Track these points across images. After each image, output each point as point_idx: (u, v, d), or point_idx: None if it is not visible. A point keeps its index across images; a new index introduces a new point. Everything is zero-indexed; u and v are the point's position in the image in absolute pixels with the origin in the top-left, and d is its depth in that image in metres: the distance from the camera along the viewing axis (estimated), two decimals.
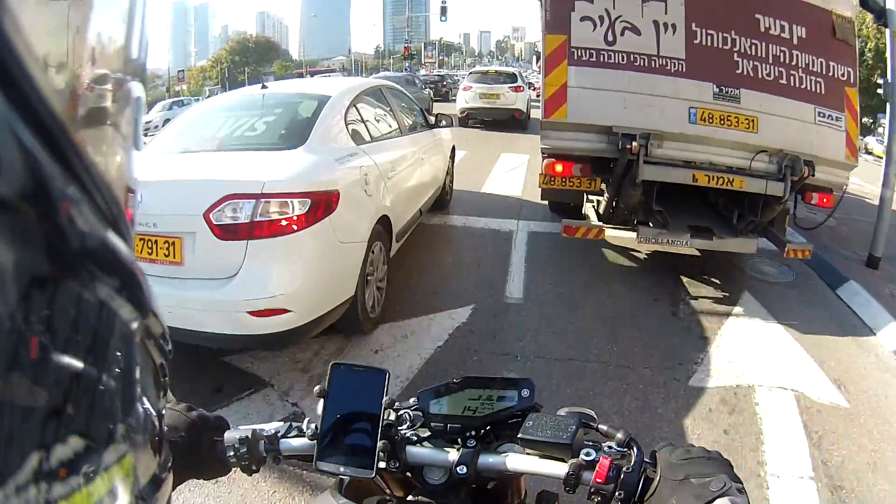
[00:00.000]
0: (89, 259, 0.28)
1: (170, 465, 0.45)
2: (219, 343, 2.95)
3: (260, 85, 4.23)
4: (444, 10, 36.00)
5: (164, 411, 0.43)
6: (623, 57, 3.99)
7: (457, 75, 35.28)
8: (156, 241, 2.84)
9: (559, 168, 4.29)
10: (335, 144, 3.45)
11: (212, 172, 2.93)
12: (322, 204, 2.89)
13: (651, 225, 4.44)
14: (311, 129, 3.35)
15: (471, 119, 13.76)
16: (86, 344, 0.29)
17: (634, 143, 3.77)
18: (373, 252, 3.43)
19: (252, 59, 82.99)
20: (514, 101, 13.85)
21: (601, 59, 4.00)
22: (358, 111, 3.99)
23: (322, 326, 3.01)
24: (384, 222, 3.67)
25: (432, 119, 5.81)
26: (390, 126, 4.55)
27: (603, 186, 4.54)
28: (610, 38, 4.01)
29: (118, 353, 0.33)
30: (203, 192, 2.76)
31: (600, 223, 4.64)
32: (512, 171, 8.55)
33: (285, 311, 2.74)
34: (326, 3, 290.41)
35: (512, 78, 14.40)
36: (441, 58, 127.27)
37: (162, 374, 0.41)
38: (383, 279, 3.74)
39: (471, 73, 15.54)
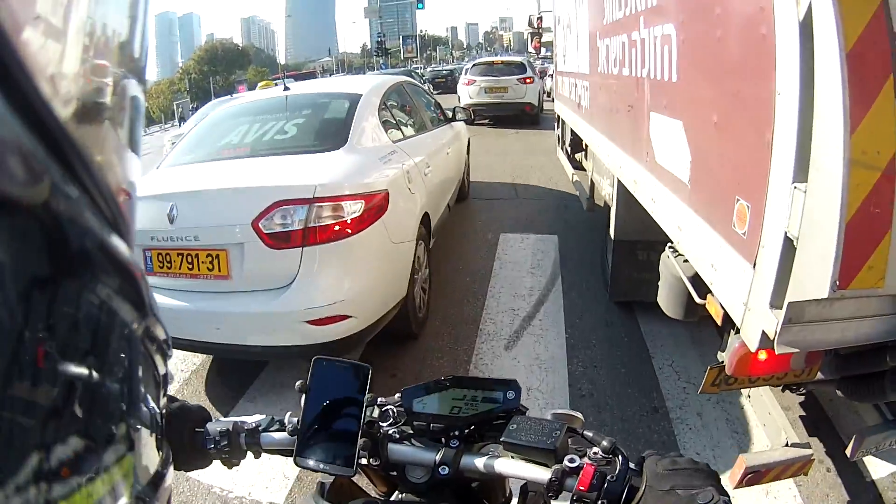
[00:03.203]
0: (89, 259, 0.28)
1: (170, 464, 0.45)
2: (275, 356, 2.86)
3: (282, 87, 4.13)
4: None
5: (164, 408, 0.43)
6: None
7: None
8: (197, 256, 2.74)
9: (762, 357, 1.82)
10: (374, 144, 3.35)
11: (255, 179, 2.81)
12: (375, 205, 2.79)
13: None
14: (348, 129, 3.24)
15: (476, 116, 11.54)
16: (86, 344, 0.29)
17: None
18: (418, 251, 3.34)
19: (222, 67, 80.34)
20: (524, 94, 12.58)
21: None
22: (388, 109, 3.89)
23: (378, 329, 2.91)
24: (425, 220, 3.57)
25: (449, 113, 5.71)
26: (417, 122, 4.45)
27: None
28: None
29: (118, 354, 0.33)
30: (249, 201, 2.65)
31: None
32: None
33: (346, 316, 2.63)
34: (311, 5, 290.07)
35: (520, 68, 13.07)
36: (428, 52, 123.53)
37: (162, 373, 0.41)
38: (427, 279, 3.65)
39: (474, 64, 14.05)
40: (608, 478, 0.67)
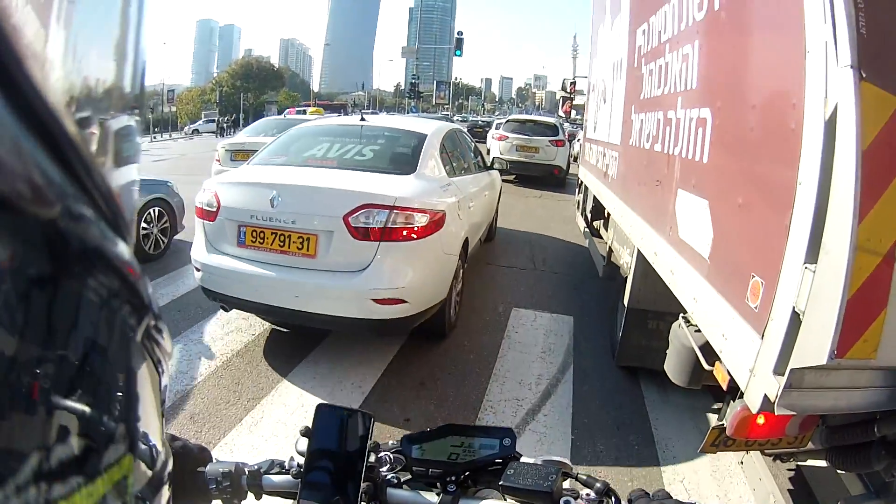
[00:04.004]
0: (89, 259, 0.29)
1: (170, 464, 0.45)
2: (344, 327, 3.58)
3: (359, 117, 4.99)
4: (459, 44, 33.17)
5: (164, 411, 0.43)
6: None
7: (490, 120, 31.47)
8: (289, 236, 3.48)
9: (760, 421, 2.00)
10: (436, 175, 4.16)
11: (348, 184, 3.57)
12: (435, 220, 3.56)
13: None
14: (417, 160, 4.06)
15: (503, 172, 10.79)
16: (86, 344, 0.30)
17: None
18: (458, 266, 4.09)
19: (254, 85, 77.52)
20: (554, 157, 12.98)
21: None
22: (445, 149, 4.70)
23: (423, 319, 3.64)
24: (465, 244, 4.35)
25: (488, 161, 6.56)
26: (465, 164, 5.28)
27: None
28: None
29: (119, 354, 0.33)
30: (342, 199, 3.42)
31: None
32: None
33: (403, 301, 3.38)
34: (350, 37, 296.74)
35: (553, 130, 13.39)
36: (460, 101, 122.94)
37: (162, 374, 0.41)
38: (460, 292, 4.40)
39: (507, 120, 14.62)
40: None
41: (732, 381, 1.94)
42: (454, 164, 4.84)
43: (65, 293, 0.27)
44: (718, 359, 2.06)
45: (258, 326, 4.26)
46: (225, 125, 36.64)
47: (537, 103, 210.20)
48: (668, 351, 2.68)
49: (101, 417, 0.31)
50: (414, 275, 3.46)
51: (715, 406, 3.40)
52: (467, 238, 4.39)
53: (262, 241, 3.53)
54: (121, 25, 0.34)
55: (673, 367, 2.61)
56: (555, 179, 13.09)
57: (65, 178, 0.26)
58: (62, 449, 0.27)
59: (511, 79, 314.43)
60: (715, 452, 2.22)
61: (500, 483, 0.76)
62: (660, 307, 3.22)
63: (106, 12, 0.33)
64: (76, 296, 0.28)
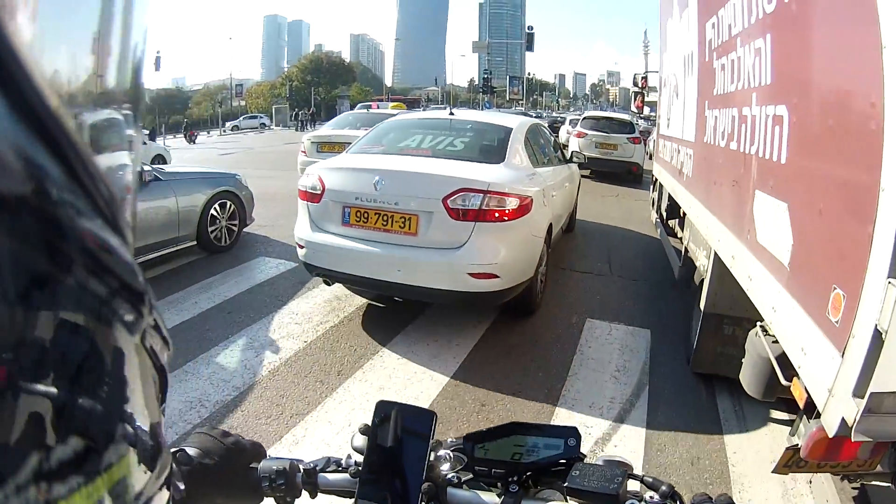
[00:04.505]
0: (89, 258, 0.28)
1: (170, 465, 0.45)
2: (441, 298, 3.98)
3: (448, 112, 5.41)
4: (530, 39, 33.10)
5: (164, 410, 0.43)
6: None
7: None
8: (392, 216, 3.90)
9: (836, 444, 1.97)
10: (522, 164, 4.51)
11: (445, 171, 3.96)
12: (524, 205, 3.91)
13: None
14: (505, 151, 4.42)
15: (581, 167, 9.95)
16: (86, 343, 0.29)
17: None
18: (543, 249, 4.43)
19: (325, 80, 76.76)
20: (633, 154, 13.28)
21: None
22: (529, 141, 5.03)
23: (512, 295, 4.01)
24: (549, 229, 4.68)
25: (568, 154, 6.84)
26: (547, 157, 5.59)
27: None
28: None
29: (119, 353, 0.33)
30: (441, 184, 3.81)
31: None
32: None
33: (495, 276, 3.76)
34: (421, 32, 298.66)
35: (630, 127, 13.74)
36: (534, 97, 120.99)
37: (162, 374, 0.40)
38: (545, 273, 4.74)
39: (584, 117, 15.05)
40: None
41: (810, 399, 1.83)
42: (538, 156, 5.16)
43: (64, 291, 0.27)
44: (797, 374, 1.96)
45: (311, 332, 4.22)
46: (304, 119, 38.49)
47: (611, 100, 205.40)
48: (743, 360, 2.60)
49: (101, 417, 0.31)
50: (505, 252, 3.81)
51: (784, 415, 3.31)
52: (551, 224, 4.72)
53: (365, 220, 3.98)
54: (100, 20, 0.33)
55: (748, 378, 2.53)
56: (632, 176, 13.28)
57: (64, 175, 0.26)
58: (62, 449, 0.27)
59: (584, 75, 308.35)
60: (787, 473, 2.16)
61: (565, 484, 0.76)
62: (736, 312, 3.13)
63: (78, 6, 0.32)
64: (76, 294, 0.28)
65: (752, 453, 3.04)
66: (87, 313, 0.29)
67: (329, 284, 4.55)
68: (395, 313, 4.49)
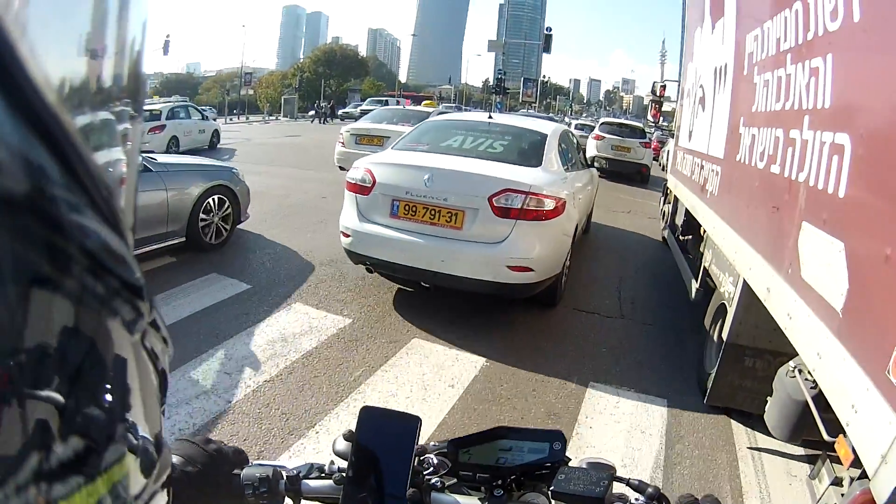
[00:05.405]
0: (89, 258, 0.28)
1: (170, 465, 0.45)
2: (480, 287, 4.36)
3: (487, 115, 5.83)
4: (548, 41, 32.72)
5: (164, 410, 0.43)
6: None
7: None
8: (439, 211, 4.31)
9: None
10: (556, 168, 4.94)
11: (491, 171, 4.36)
12: (559, 206, 4.35)
13: None
14: (542, 155, 4.85)
15: (599, 170, 11.24)
16: (86, 343, 0.30)
17: None
18: (570, 247, 4.86)
19: (337, 72, 74.01)
20: (643, 157, 15.25)
21: None
22: (561, 147, 5.45)
23: (542, 287, 4.44)
24: (575, 229, 5.10)
25: (588, 160, 7.27)
26: (574, 161, 6.01)
27: None
28: None
29: (118, 353, 0.33)
30: (488, 183, 4.22)
31: None
32: None
33: (530, 269, 4.20)
34: (439, 30, 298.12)
35: (641, 133, 15.69)
36: (548, 100, 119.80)
37: (162, 374, 0.41)
38: (569, 268, 5.18)
39: (602, 122, 17.06)
40: None
41: (857, 461, 1.69)
42: (567, 161, 5.58)
43: (64, 291, 0.27)
44: (843, 431, 1.78)
45: (309, 340, 4.03)
46: (325, 112, 38.89)
47: (624, 107, 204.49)
48: (769, 399, 2.43)
49: (100, 417, 0.31)
50: (540, 249, 4.25)
51: (804, 457, 3.08)
52: (577, 224, 5.15)
53: (413, 213, 4.39)
54: (93, 18, 0.32)
55: (775, 418, 2.36)
56: (641, 176, 15.27)
57: (63, 175, 0.26)
58: (62, 449, 0.27)
59: (599, 81, 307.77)
60: None
61: (550, 488, 0.76)
62: (760, 344, 2.94)
63: (69, 8, 0.31)
64: (76, 294, 0.28)
65: None
66: (87, 313, 0.29)
67: (371, 272, 4.93)
68: (387, 330, 4.33)
